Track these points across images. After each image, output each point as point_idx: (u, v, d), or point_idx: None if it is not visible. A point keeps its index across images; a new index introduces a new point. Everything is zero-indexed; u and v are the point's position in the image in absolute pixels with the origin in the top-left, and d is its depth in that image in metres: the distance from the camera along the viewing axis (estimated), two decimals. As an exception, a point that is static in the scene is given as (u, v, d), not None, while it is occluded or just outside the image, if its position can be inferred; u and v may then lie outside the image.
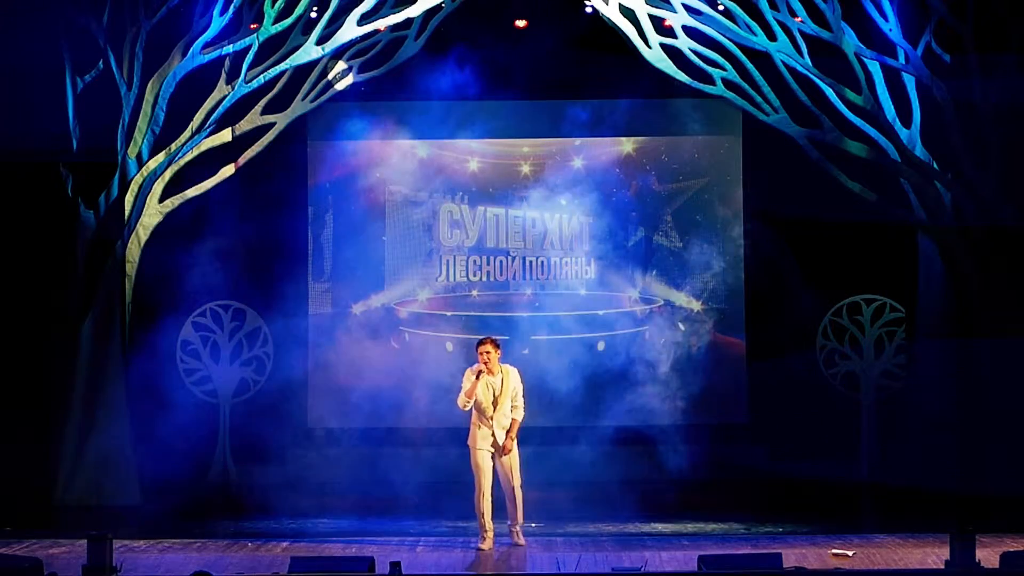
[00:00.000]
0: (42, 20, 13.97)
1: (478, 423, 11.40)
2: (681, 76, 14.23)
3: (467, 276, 16.39)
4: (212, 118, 14.26)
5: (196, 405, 15.56)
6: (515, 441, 11.40)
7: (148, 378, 14.43)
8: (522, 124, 16.34)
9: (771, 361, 15.87)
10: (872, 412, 15.89)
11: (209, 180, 14.62)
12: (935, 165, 14.39)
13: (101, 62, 14.22)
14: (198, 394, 15.81)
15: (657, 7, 14.11)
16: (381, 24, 14.25)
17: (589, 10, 14.37)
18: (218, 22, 14.11)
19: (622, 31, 14.11)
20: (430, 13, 14.31)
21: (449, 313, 16.23)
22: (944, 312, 14.63)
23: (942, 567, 9.91)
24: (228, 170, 14.67)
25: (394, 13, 14.18)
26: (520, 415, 11.44)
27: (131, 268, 14.45)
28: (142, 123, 14.20)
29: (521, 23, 15.51)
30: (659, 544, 11.59)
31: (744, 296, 16.27)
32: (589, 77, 15.60)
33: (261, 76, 14.19)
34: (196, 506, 14.10)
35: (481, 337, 11.74)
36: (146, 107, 14.18)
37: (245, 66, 14.11)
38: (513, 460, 11.43)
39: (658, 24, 14.17)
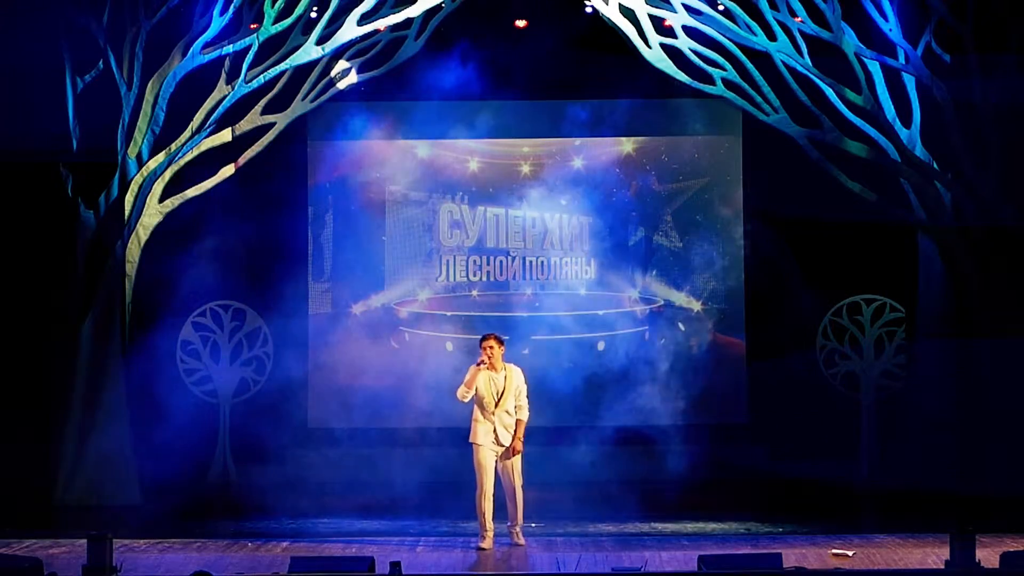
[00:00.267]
0: (42, 20, 13.97)
1: (479, 418, 11.42)
2: (681, 76, 14.23)
3: (467, 276, 16.39)
4: (212, 118, 14.26)
5: (196, 405, 15.55)
6: (522, 442, 11.44)
7: (148, 378, 14.43)
8: (522, 124, 16.34)
9: (771, 361, 15.87)
10: (872, 412, 15.88)
11: (209, 180, 14.62)
12: (935, 165, 14.39)
13: (101, 62, 14.22)
14: (198, 394, 15.81)
15: (657, 7, 14.11)
16: (381, 24, 14.25)
17: (589, 10, 14.37)
18: (218, 22, 14.11)
19: (622, 31, 14.11)
20: (430, 13, 14.31)
21: (449, 313, 16.23)
22: (944, 312, 14.63)
23: (942, 567, 9.90)
24: (228, 170, 14.67)
25: (394, 13, 14.18)
26: (525, 415, 11.46)
27: (131, 268, 14.45)
28: (142, 123, 14.20)
29: (521, 23, 15.51)
30: (659, 544, 11.59)
31: (744, 296, 16.27)
32: (589, 77, 15.60)
33: (261, 76, 14.20)
34: (196, 506, 14.10)
35: (485, 333, 11.76)
36: (146, 107, 14.18)
37: (245, 66, 14.11)
38: (515, 460, 11.43)
39: (658, 24, 14.17)
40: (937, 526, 11.51)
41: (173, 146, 14.26)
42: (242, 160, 14.64)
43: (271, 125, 14.55)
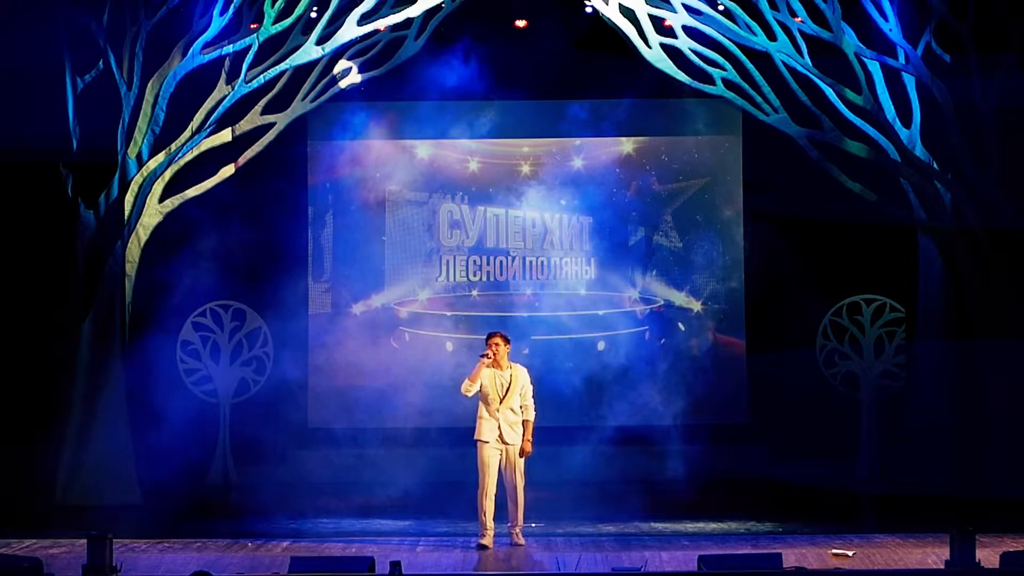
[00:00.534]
0: (42, 20, 13.97)
1: (484, 416, 11.45)
2: (681, 76, 14.23)
3: (467, 276, 16.40)
4: (212, 118, 14.26)
5: (196, 405, 15.55)
6: (531, 443, 11.45)
7: (148, 378, 14.41)
8: (522, 124, 16.35)
9: (771, 361, 15.86)
10: (872, 412, 15.88)
11: (209, 180, 14.62)
12: (935, 165, 14.39)
13: (101, 62, 14.22)
14: (198, 394, 15.81)
15: (657, 7, 14.11)
16: (381, 24, 14.25)
17: (589, 10, 14.37)
18: (218, 22, 14.11)
19: (622, 31, 14.11)
20: (430, 13, 14.31)
21: (449, 313, 16.23)
22: (944, 312, 14.63)
23: (942, 567, 9.91)
24: (228, 170, 14.67)
25: (394, 13, 14.18)
26: (532, 416, 11.49)
27: (131, 268, 14.45)
28: (142, 123, 14.20)
29: (521, 23, 15.52)
30: (659, 544, 11.59)
31: (744, 296, 16.28)
32: (589, 77, 15.60)
33: (261, 76, 14.19)
34: (196, 506, 14.09)
35: (491, 331, 11.77)
36: (146, 107, 14.18)
37: (245, 66, 14.11)
38: (518, 462, 11.45)
39: (658, 24, 14.17)
40: (937, 526, 11.50)
41: (173, 146, 14.26)
42: (242, 160, 14.64)
43: (271, 125, 14.55)
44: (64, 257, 14.17)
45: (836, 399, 15.89)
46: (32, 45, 13.91)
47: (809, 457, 15.00)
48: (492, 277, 16.40)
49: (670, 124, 16.36)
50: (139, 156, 14.23)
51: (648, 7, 14.07)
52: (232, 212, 15.14)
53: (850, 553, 10.91)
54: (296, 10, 14.05)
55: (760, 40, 14.10)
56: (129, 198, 14.23)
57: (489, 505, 11.38)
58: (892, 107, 14.31)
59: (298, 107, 14.55)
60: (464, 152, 16.37)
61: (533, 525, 12.15)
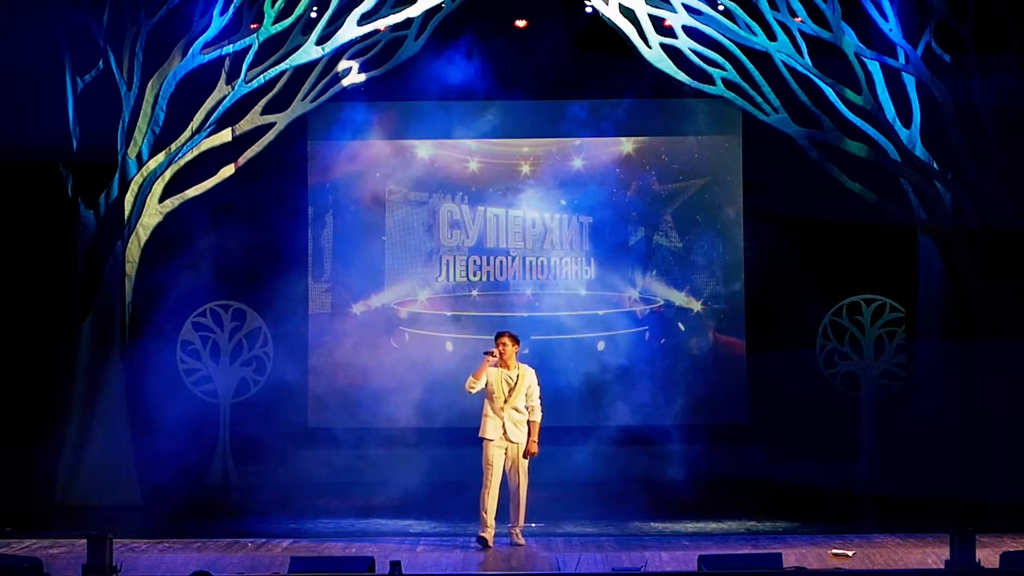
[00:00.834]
0: (42, 20, 13.97)
1: (489, 414, 11.47)
2: (681, 76, 14.22)
3: (467, 276, 16.39)
4: (212, 118, 14.25)
5: (196, 405, 15.56)
6: (537, 444, 11.46)
7: (148, 378, 14.42)
8: (522, 124, 16.35)
9: (771, 361, 15.86)
10: (872, 412, 15.88)
11: (209, 180, 14.61)
12: (935, 165, 14.39)
13: (101, 62, 14.22)
14: (198, 394, 15.81)
15: (657, 7, 14.11)
16: (381, 24, 14.25)
17: (589, 10, 14.37)
18: (218, 22, 14.11)
19: (622, 31, 14.10)
20: (430, 13, 14.31)
21: (449, 313, 16.23)
22: (944, 312, 14.63)
23: (942, 567, 9.92)
24: (228, 170, 14.66)
25: (394, 13, 14.18)
26: (538, 416, 11.51)
27: (131, 268, 14.44)
28: (142, 123, 14.20)
29: (521, 23, 15.52)
30: (659, 544, 11.59)
31: (744, 296, 16.28)
32: (589, 77, 15.60)
33: (261, 76, 14.19)
34: (196, 506, 14.09)
35: (500, 330, 11.78)
36: (146, 107, 14.18)
37: (245, 66, 14.11)
38: (521, 462, 11.46)
39: (658, 24, 14.17)
40: (937, 526, 11.51)
41: (173, 146, 14.26)
42: (242, 160, 14.63)
43: (271, 125, 14.55)
44: (64, 257, 14.16)
45: (836, 399, 15.90)
46: (32, 45, 13.91)
47: (809, 457, 15.00)
48: (492, 277, 16.40)
49: (670, 124, 16.36)
50: (139, 156, 14.22)
51: (648, 7, 14.07)
52: (232, 212, 15.14)
53: (850, 553, 10.91)
54: (296, 10, 14.05)
55: (760, 40, 14.10)
56: (129, 198, 14.23)
57: (491, 503, 11.39)
58: (892, 107, 14.30)
59: (298, 107, 14.55)
60: (464, 152, 16.37)
61: (533, 525, 12.15)
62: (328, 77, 14.46)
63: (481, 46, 14.93)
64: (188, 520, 13.27)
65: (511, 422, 11.43)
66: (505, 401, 11.42)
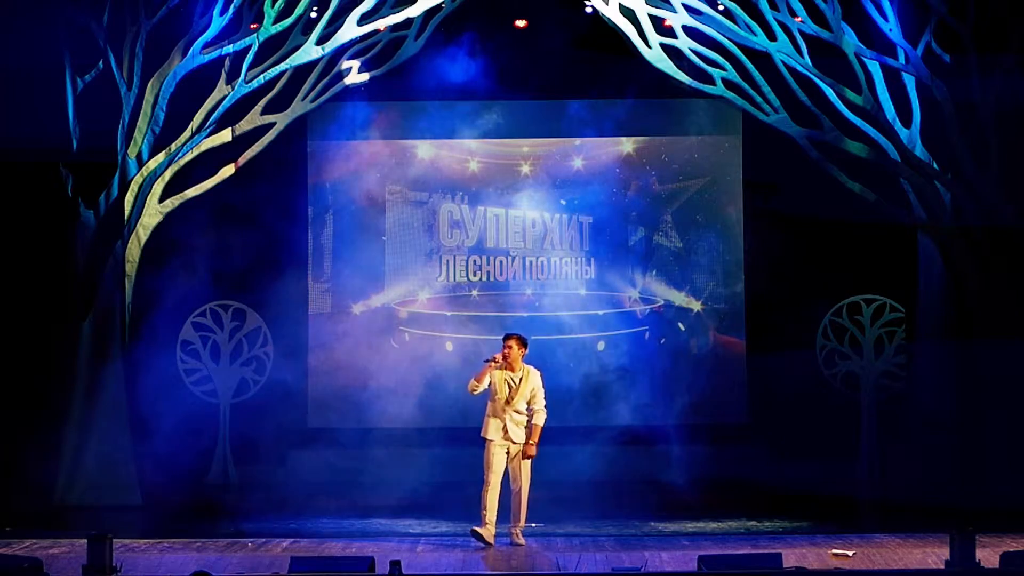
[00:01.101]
0: (42, 20, 13.97)
1: (491, 413, 11.47)
2: (681, 76, 14.23)
3: (467, 276, 16.40)
4: (212, 118, 14.26)
5: (196, 405, 15.56)
6: (535, 446, 11.45)
7: (148, 378, 14.41)
8: (522, 124, 16.35)
9: (771, 361, 15.86)
10: (872, 412, 15.88)
11: (209, 180, 14.62)
12: (935, 165, 14.39)
13: (101, 62, 14.22)
14: (198, 394, 15.82)
15: (657, 7, 14.11)
16: (381, 24, 14.26)
17: (589, 10, 14.37)
18: (218, 22, 14.11)
19: (622, 31, 14.10)
20: (430, 13, 14.31)
21: (449, 313, 16.23)
22: (944, 312, 14.63)
23: (942, 567, 9.91)
24: (228, 170, 14.66)
25: (394, 13, 14.19)
26: (541, 419, 11.48)
27: (131, 268, 14.44)
28: (142, 123, 14.20)
29: (521, 23, 15.52)
30: (659, 544, 11.58)
31: (744, 296, 16.28)
32: (589, 77, 15.60)
33: (261, 76, 14.20)
34: (196, 506, 14.10)
35: (508, 332, 11.75)
36: (146, 107, 14.18)
37: (245, 66, 14.11)
38: (525, 462, 11.45)
39: (658, 24, 14.17)
40: (937, 526, 11.50)
41: (173, 146, 14.26)
42: (242, 160, 14.63)
43: (271, 125, 14.55)
44: (64, 257, 14.16)
45: (836, 399, 15.90)
46: (32, 45, 13.92)
47: (809, 457, 15.00)
48: (492, 277, 16.40)
49: (670, 124, 16.37)
50: (139, 156, 14.23)
51: (648, 7, 14.07)
52: (232, 212, 15.14)
53: (850, 553, 10.91)
54: (296, 10, 14.05)
55: (760, 40, 14.10)
56: (129, 198, 14.23)
57: (492, 502, 11.40)
58: (892, 107, 14.30)
59: (298, 107, 14.55)
60: (464, 152, 16.37)
61: (533, 525, 12.13)
62: (328, 77, 14.46)
63: (481, 46, 14.93)
64: (188, 520, 13.27)
65: (512, 423, 11.44)
66: (507, 402, 11.42)
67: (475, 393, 11.53)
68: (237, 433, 15.75)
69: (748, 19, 14.10)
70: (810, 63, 14.10)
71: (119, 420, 14.18)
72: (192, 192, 14.60)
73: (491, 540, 11.35)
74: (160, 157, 14.26)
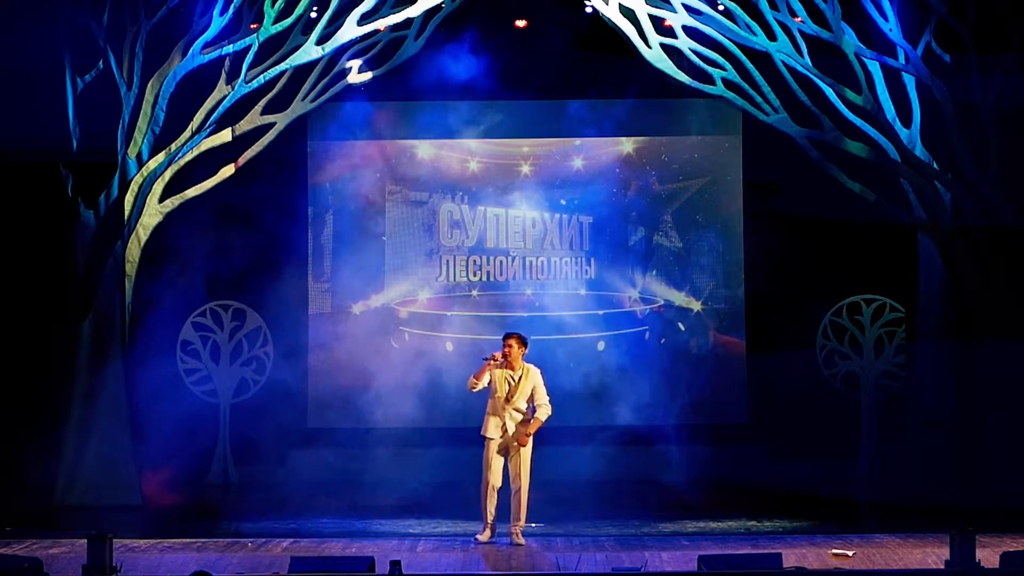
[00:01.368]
0: (42, 20, 13.97)
1: (491, 412, 11.48)
2: (681, 76, 14.22)
3: (467, 276, 16.39)
4: (212, 118, 14.26)
5: (196, 405, 15.56)
6: (530, 438, 11.43)
7: (148, 378, 14.41)
8: (522, 124, 16.36)
9: (771, 361, 15.86)
10: (872, 412, 15.88)
11: (209, 180, 14.61)
12: (935, 165, 14.39)
13: (101, 62, 14.21)
14: (198, 394, 15.82)
15: (657, 7, 14.11)
16: (381, 24, 14.25)
17: (589, 10, 14.37)
18: (218, 22, 14.11)
19: (622, 31, 14.10)
20: (430, 13, 14.31)
21: (449, 313, 16.23)
22: (944, 312, 14.63)
23: (942, 567, 9.91)
24: (228, 170, 14.66)
25: (394, 13, 14.18)
26: (543, 414, 11.49)
27: (131, 268, 14.44)
28: (142, 123, 14.20)
29: (521, 23, 15.52)
30: (659, 544, 11.58)
31: (744, 296, 16.28)
32: (589, 77, 15.60)
33: (261, 76, 14.19)
34: (196, 506, 14.09)
35: (508, 331, 11.76)
36: (146, 107, 14.18)
37: (245, 66, 14.11)
38: (524, 460, 11.46)
39: (658, 24, 14.17)
40: (937, 526, 11.50)
41: (173, 146, 14.26)
42: (242, 160, 14.63)
43: (271, 125, 14.54)
44: (64, 257, 14.16)
45: (836, 399, 15.89)
46: (32, 45, 13.91)
47: (809, 457, 15.00)
48: (492, 277, 16.40)
49: (670, 124, 16.37)
50: (139, 156, 14.22)
51: (648, 7, 14.07)
52: (232, 212, 15.14)
53: (850, 553, 10.91)
54: (296, 10, 14.05)
55: (760, 40, 14.10)
56: (129, 198, 14.22)
57: (490, 502, 11.42)
58: (892, 107, 14.30)
59: (298, 107, 14.54)
60: (464, 152, 16.37)
61: (533, 525, 12.14)
62: (328, 77, 14.46)
63: (481, 46, 14.93)
64: (188, 520, 13.27)
65: (512, 421, 11.45)
66: (507, 400, 11.44)
67: (474, 391, 11.55)
68: (237, 433, 15.75)
69: (748, 19, 14.10)
70: (810, 63, 14.10)
71: (119, 420, 14.18)
72: (192, 192, 14.60)
73: (492, 534, 11.39)
74: (160, 157, 14.26)
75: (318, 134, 16.21)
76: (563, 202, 16.32)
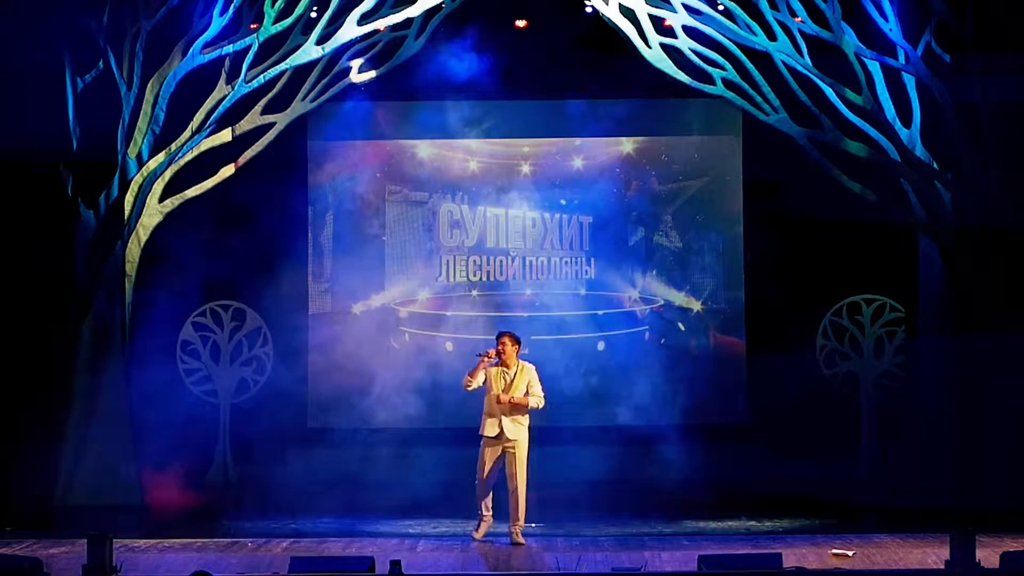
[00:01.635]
0: (42, 20, 13.96)
1: (488, 411, 11.51)
2: (681, 76, 14.22)
3: (467, 276, 16.39)
4: (212, 118, 14.26)
5: (196, 405, 15.56)
6: (511, 399, 11.41)
7: (148, 378, 14.41)
8: (522, 124, 16.35)
9: (771, 361, 15.85)
10: (872, 412, 15.88)
11: (209, 180, 14.61)
12: (935, 165, 14.39)
13: (101, 62, 14.21)
14: (198, 394, 15.81)
15: (657, 7, 14.11)
16: (381, 24, 14.26)
17: (589, 10, 14.37)
18: (218, 22, 14.11)
19: (622, 31, 14.11)
20: (430, 13, 14.31)
21: (449, 313, 16.22)
22: (944, 312, 14.62)
23: (942, 567, 9.91)
24: (228, 170, 14.66)
25: (394, 13, 14.19)
26: (535, 401, 11.53)
27: (131, 268, 14.44)
28: (142, 123, 14.20)
29: (521, 23, 15.52)
30: (659, 544, 11.59)
31: (744, 296, 16.27)
32: (589, 77, 15.60)
33: (261, 76, 14.19)
34: (196, 506, 14.09)
35: (502, 330, 11.79)
36: (146, 107, 14.18)
37: (245, 66, 14.11)
38: (520, 460, 11.48)
39: (658, 24, 14.17)
40: (937, 526, 11.50)
41: (173, 146, 14.26)
42: (242, 160, 14.63)
43: (271, 125, 14.55)
44: (64, 257, 14.16)
45: (836, 399, 15.89)
46: (32, 45, 13.90)
47: (809, 457, 14.98)
48: (492, 277, 16.40)
49: (670, 124, 16.37)
50: (139, 156, 14.23)
51: (648, 7, 14.07)
52: (232, 212, 15.14)
53: (850, 553, 10.91)
54: (296, 10, 14.05)
55: (760, 40, 14.10)
56: (129, 198, 14.23)
57: (486, 498, 11.46)
58: (892, 107, 14.30)
59: (298, 107, 14.54)
60: (464, 152, 16.37)
61: (533, 525, 12.15)
62: (328, 77, 14.46)
63: (481, 46, 14.92)
64: (188, 520, 13.27)
65: (509, 421, 11.46)
66: (501, 399, 11.47)
67: (468, 389, 11.60)
68: (237, 433, 15.74)
69: (748, 19, 14.10)
70: (810, 63, 14.10)
71: (119, 420, 14.18)
72: (192, 192, 14.60)
73: (482, 536, 11.41)
74: (160, 157, 14.26)
75: (318, 134, 16.20)
76: (563, 202, 16.31)
